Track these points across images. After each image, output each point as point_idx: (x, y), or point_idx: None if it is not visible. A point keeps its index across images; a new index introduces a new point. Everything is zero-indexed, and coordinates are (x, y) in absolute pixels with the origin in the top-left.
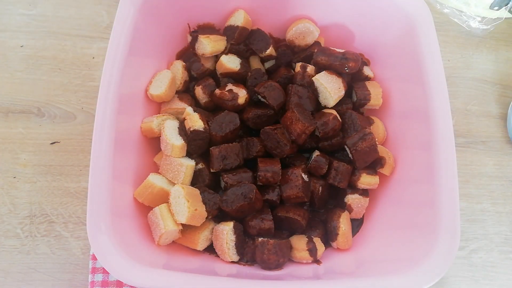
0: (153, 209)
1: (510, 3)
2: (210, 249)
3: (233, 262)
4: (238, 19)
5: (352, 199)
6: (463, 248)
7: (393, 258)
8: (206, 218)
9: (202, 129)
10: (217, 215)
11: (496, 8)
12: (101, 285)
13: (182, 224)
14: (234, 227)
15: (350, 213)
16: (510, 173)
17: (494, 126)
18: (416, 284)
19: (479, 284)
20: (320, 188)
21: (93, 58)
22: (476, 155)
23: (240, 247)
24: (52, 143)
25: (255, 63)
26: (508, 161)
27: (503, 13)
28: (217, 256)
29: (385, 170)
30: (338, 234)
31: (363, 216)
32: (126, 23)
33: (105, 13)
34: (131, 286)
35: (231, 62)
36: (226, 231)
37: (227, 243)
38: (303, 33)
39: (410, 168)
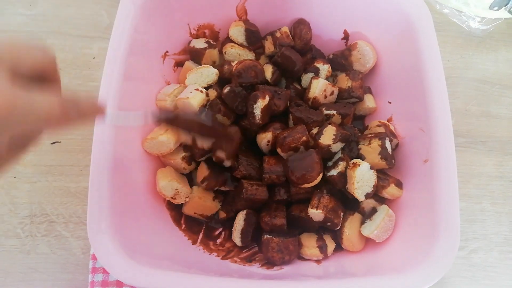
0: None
1: (510, 3)
2: (209, 249)
3: (234, 262)
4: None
5: (366, 203)
6: (463, 248)
7: (393, 258)
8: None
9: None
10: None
11: (495, 8)
12: (101, 285)
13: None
14: (247, 214)
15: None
16: (510, 173)
17: (494, 126)
18: (416, 284)
19: (479, 284)
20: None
21: (94, 58)
22: (476, 155)
23: (245, 236)
24: (52, 143)
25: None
26: (508, 161)
27: (503, 13)
28: (217, 256)
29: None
30: (343, 238)
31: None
32: (126, 23)
33: (105, 13)
34: (131, 286)
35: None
36: (238, 217)
37: (236, 225)
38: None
39: (410, 168)
